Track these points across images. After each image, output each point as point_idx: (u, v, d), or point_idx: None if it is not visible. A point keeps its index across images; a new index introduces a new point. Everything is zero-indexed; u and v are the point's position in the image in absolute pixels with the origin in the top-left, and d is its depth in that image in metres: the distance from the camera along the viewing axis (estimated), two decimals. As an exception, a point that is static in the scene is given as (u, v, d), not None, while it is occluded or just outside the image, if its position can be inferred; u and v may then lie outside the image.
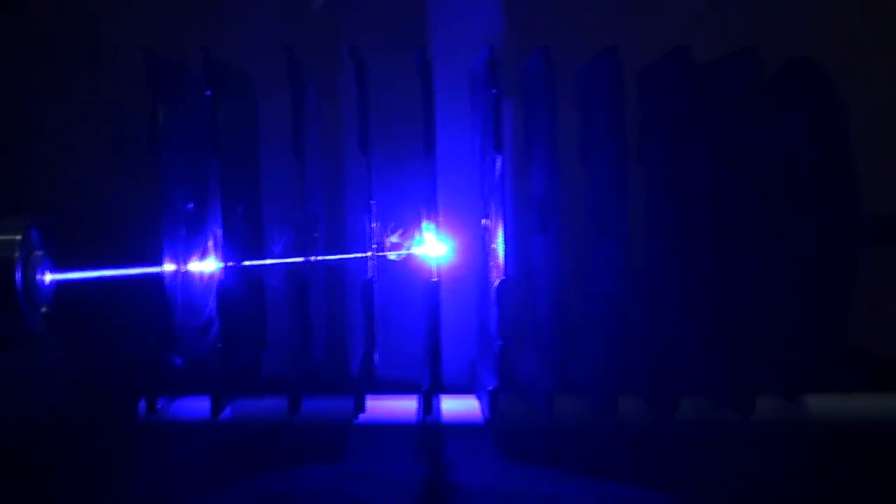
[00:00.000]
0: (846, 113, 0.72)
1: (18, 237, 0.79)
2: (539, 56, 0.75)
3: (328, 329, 0.83)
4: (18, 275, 0.78)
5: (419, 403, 0.75)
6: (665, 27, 0.87)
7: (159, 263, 0.77)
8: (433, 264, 0.76)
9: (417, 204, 0.78)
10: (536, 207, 0.77)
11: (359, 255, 0.77)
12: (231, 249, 0.79)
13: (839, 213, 0.72)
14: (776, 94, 0.81)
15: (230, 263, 0.78)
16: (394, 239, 0.79)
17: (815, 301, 0.75)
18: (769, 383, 0.79)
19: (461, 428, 0.78)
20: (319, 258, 0.80)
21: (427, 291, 0.75)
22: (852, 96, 0.73)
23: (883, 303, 0.90)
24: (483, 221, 0.79)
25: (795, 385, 0.79)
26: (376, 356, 0.77)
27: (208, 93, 0.74)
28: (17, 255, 0.78)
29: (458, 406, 0.80)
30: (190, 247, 0.80)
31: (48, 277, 0.82)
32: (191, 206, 0.81)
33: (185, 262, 0.79)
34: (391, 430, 0.78)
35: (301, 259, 0.76)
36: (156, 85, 0.75)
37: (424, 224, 0.77)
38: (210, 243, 0.79)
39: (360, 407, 0.76)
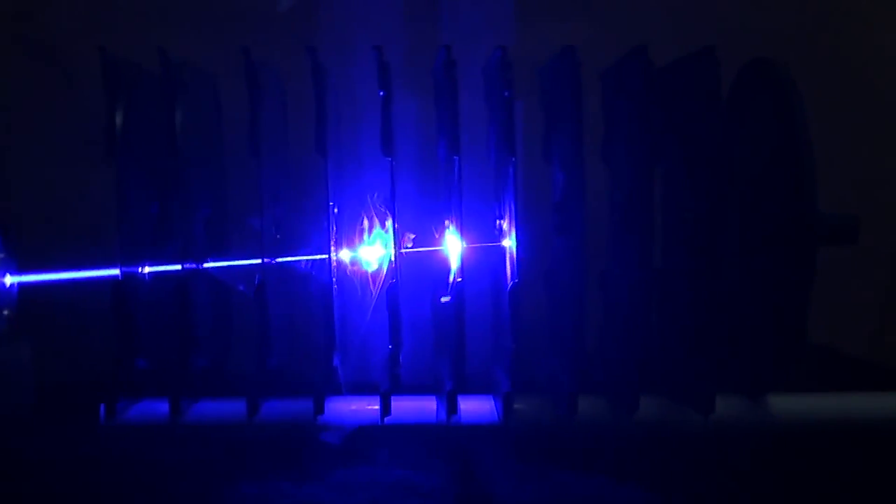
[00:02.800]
0: (804, 114, 0.72)
1: (-21, 240, 0.78)
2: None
3: (290, 331, 0.82)
4: (-22, 277, 0.78)
5: (380, 404, 0.75)
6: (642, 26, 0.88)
7: (121, 266, 0.76)
8: (387, 265, 0.76)
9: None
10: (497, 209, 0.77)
11: (320, 256, 0.77)
12: (194, 251, 0.78)
13: (798, 213, 0.72)
14: (735, 94, 0.81)
15: (193, 265, 0.78)
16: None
17: (775, 301, 0.75)
18: (731, 383, 0.79)
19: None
20: (281, 260, 0.79)
21: (387, 293, 0.75)
22: (810, 97, 0.73)
23: (843, 302, 0.91)
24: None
25: (757, 385, 0.79)
26: (336, 358, 0.77)
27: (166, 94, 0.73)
28: (-23, 258, 0.77)
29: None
30: (153, 249, 0.79)
31: (9, 280, 0.82)
32: (154, 208, 0.81)
33: (148, 265, 0.79)
34: (353, 430, 0.77)
35: (260, 261, 0.76)
36: (112, 86, 0.74)
37: (381, 225, 0.77)
38: (174, 245, 0.78)
39: (320, 409, 0.75)
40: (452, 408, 0.74)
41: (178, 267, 0.76)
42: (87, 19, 0.87)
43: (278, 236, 0.81)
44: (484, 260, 0.81)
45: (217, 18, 0.92)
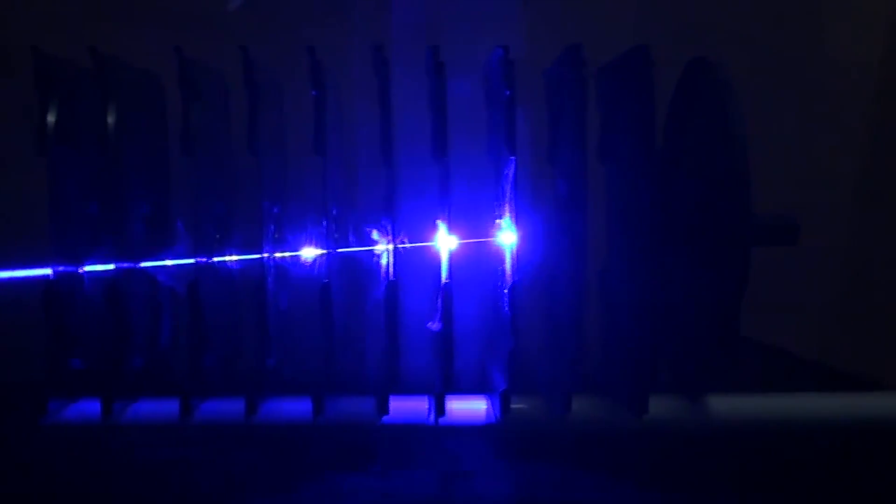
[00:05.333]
0: (740, 114, 0.72)
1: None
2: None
3: (226, 331, 0.82)
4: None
5: (312, 405, 0.75)
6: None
7: (53, 265, 0.76)
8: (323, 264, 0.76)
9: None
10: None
11: (254, 256, 0.77)
12: (131, 250, 0.78)
13: (731, 213, 0.71)
14: (677, 94, 0.81)
15: (129, 264, 0.78)
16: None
17: (710, 302, 0.75)
18: (670, 383, 0.79)
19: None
20: (218, 259, 0.79)
21: (320, 292, 0.74)
22: (748, 97, 0.73)
23: (789, 303, 0.91)
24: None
25: (694, 385, 0.79)
26: (270, 359, 0.77)
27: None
28: None
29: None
30: (89, 248, 0.79)
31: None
32: (93, 207, 0.80)
33: (85, 264, 0.79)
34: (284, 430, 0.77)
35: (195, 260, 0.76)
36: (44, 84, 0.74)
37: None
38: (109, 244, 0.78)
39: (252, 410, 0.75)
40: (383, 408, 0.74)
41: (112, 266, 0.76)
42: (25, 18, 0.87)
43: (217, 236, 0.81)
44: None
45: (165, 18, 0.92)
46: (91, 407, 0.79)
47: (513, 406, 0.74)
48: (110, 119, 0.75)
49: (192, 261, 0.76)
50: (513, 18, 0.91)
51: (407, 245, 0.77)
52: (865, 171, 0.94)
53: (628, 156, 0.76)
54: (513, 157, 0.72)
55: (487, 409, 0.77)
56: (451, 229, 0.75)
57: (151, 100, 0.85)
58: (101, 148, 0.74)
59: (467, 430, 0.76)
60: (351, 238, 0.80)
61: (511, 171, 0.73)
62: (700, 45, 0.83)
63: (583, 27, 0.92)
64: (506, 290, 0.73)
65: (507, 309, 0.72)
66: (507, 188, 0.74)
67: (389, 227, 0.76)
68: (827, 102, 0.92)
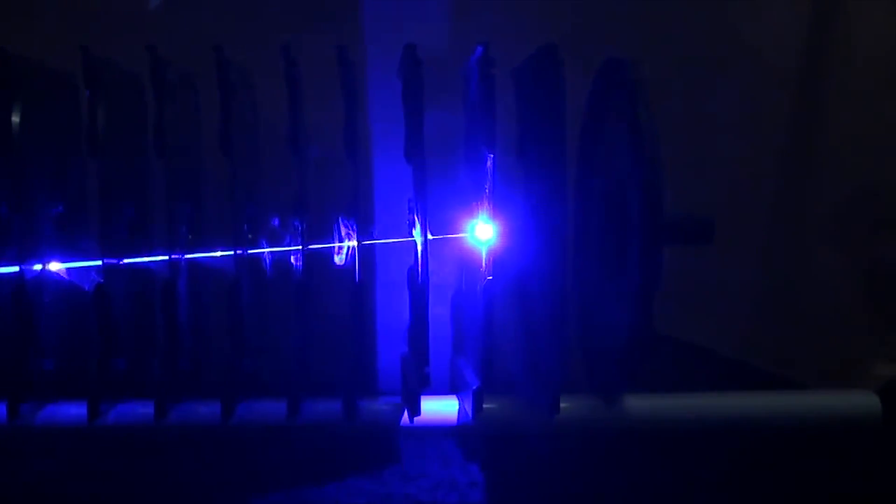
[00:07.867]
0: (649, 113, 0.72)
1: None
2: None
3: (138, 333, 0.81)
4: None
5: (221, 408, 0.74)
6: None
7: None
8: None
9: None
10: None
11: (162, 258, 0.76)
12: (38, 251, 0.77)
13: (644, 212, 0.71)
14: (593, 93, 0.81)
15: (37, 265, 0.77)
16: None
17: (624, 301, 0.75)
18: (587, 384, 0.79)
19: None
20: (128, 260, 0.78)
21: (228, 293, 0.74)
22: (660, 98, 0.73)
23: (714, 303, 0.91)
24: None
25: (609, 385, 0.78)
26: (183, 361, 0.76)
27: None
28: None
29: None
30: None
31: None
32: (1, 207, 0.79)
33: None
34: (195, 433, 0.76)
35: (103, 261, 0.75)
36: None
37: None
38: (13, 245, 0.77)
39: (161, 413, 0.74)
40: (295, 408, 0.74)
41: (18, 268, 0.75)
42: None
43: (128, 237, 0.80)
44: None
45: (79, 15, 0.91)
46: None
47: (424, 406, 0.73)
48: (15, 117, 0.74)
49: (99, 262, 0.74)
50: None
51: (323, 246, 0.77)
52: (785, 169, 0.94)
53: (541, 155, 0.76)
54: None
55: (401, 410, 0.77)
56: (360, 230, 0.74)
57: (63, 99, 0.84)
58: (4, 147, 0.73)
59: (379, 432, 0.76)
60: (264, 239, 0.79)
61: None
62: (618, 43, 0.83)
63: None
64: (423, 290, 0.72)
65: (423, 310, 0.72)
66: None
67: (301, 227, 0.75)
68: (748, 101, 0.93)
